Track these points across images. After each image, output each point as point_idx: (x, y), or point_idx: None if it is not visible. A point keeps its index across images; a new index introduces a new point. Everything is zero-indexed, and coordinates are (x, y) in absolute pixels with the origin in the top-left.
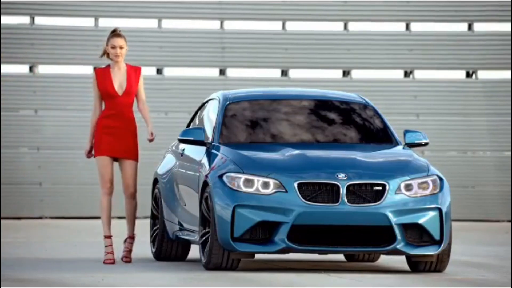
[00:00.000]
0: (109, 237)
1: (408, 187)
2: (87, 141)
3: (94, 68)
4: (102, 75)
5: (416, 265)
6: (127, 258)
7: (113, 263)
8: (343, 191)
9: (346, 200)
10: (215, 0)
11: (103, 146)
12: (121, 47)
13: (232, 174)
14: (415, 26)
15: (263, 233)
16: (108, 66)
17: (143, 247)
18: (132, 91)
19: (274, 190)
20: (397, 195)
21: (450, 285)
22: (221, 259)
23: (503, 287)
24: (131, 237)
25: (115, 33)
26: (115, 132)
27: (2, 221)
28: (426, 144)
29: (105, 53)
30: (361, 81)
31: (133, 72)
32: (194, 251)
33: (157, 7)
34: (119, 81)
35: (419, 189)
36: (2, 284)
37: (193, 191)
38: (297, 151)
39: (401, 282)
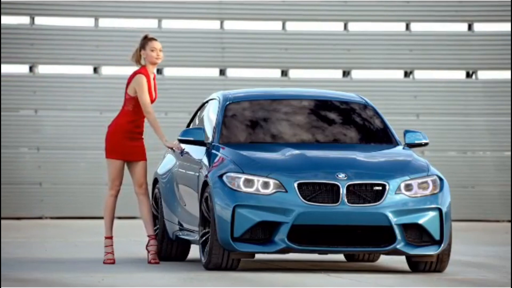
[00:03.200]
0: (110, 237)
1: (408, 187)
2: (164, 139)
3: (133, 71)
4: (148, 79)
5: (416, 265)
6: (155, 259)
7: (113, 263)
8: (343, 191)
9: (346, 200)
10: (215, 0)
11: (121, 150)
12: (160, 50)
13: (232, 174)
14: (415, 26)
15: (263, 233)
16: (145, 69)
17: (143, 247)
18: (156, 97)
19: (274, 190)
20: (397, 195)
21: (450, 285)
22: (221, 259)
23: (503, 287)
24: (153, 238)
25: (151, 37)
26: (134, 137)
27: (2, 221)
28: (426, 144)
29: (137, 57)
30: (361, 81)
31: (154, 78)
32: (194, 251)
33: (157, 7)
34: (152, 87)
35: (419, 189)
36: (2, 284)
37: (193, 191)
38: (297, 151)
39: (401, 282)
